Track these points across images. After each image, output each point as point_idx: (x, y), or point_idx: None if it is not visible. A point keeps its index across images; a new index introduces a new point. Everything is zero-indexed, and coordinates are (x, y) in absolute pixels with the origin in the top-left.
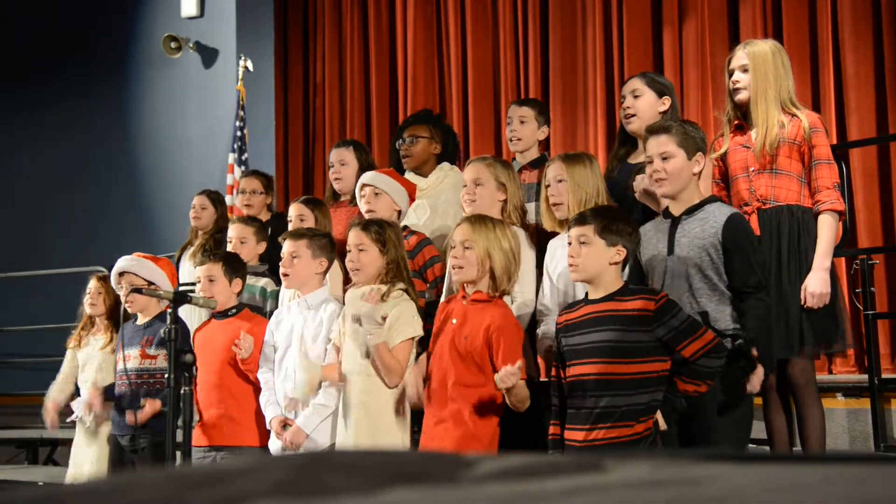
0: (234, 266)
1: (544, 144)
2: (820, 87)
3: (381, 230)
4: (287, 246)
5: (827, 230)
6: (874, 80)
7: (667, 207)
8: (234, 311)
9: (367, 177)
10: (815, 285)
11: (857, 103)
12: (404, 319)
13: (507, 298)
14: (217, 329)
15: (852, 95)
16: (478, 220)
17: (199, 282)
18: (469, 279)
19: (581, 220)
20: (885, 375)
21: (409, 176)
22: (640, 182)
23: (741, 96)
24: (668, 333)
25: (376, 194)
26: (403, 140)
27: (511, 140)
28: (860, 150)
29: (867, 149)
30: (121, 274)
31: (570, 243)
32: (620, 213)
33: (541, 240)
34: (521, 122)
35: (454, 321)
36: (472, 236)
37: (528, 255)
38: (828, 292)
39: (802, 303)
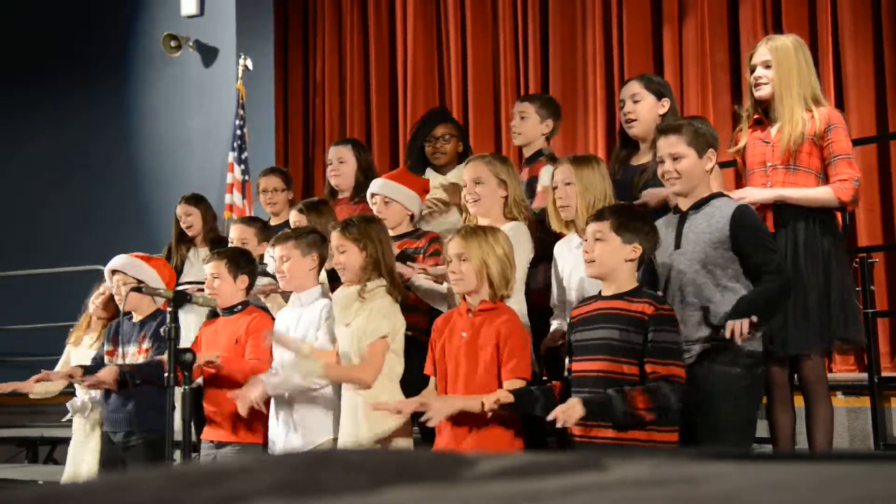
0: (240, 262)
1: (568, 139)
2: (820, 85)
3: (359, 228)
4: (276, 251)
5: (815, 192)
6: (874, 79)
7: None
8: (239, 307)
9: (376, 185)
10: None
11: (857, 102)
12: (378, 316)
13: None
14: (222, 326)
15: (852, 94)
16: (470, 231)
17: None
18: (468, 290)
19: (598, 216)
20: (884, 374)
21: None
22: (648, 195)
23: (763, 92)
24: (650, 342)
25: (386, 203)
26: (436, 138)
27: (513, 135)
28: (860, 148)
29: (867, 147)
30: (113, 272)
31: (586, 239)
32: (639, 212)
33: (549, 240)
34: (522, 118)
35: (464, 335)
36: (467, 248)
37: (525, 252)
38: (757, 199)
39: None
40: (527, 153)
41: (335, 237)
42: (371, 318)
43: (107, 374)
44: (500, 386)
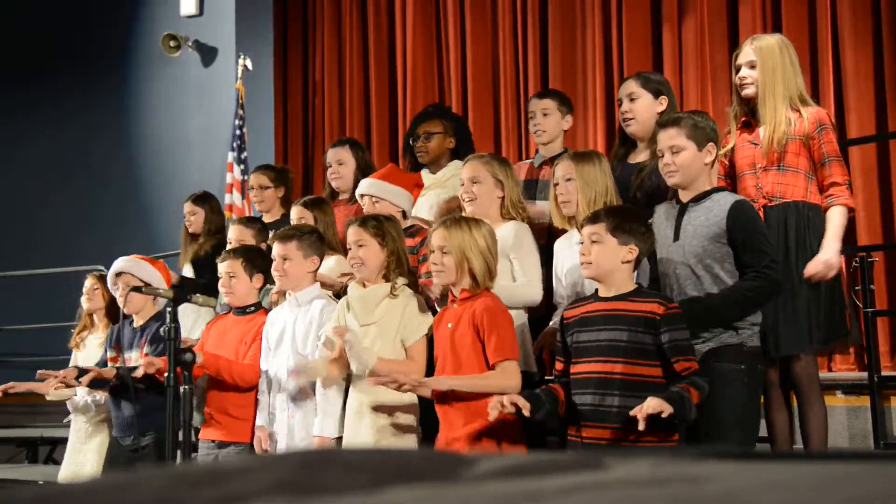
0: (255, 261)
1: (568, 138)
2: (819, 84)
3: (379, 224)
4: (277, 249)
5: (838, 217)
6: (873, 78)
7: (677, 193)
8: (252, 308)
9: (363, 186)
10: (824, 254)
11: (857, 101)
12: (418, 318)
13: (510, 283)
14: (233, 324)
15: (851, 93)
16: (453, 223)
17: (221, 278)
18: (449, 282)
19: (594, 218)
20: (884, 373)
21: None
22: None
23: (748, 91)
24: (669, 342)
25: (375, 203)
26: (417, 137)
27: (536, 133)
28: (859, 147)
29: (866, 146)
30: (118, 274)
31: (581, 242)
32: (634, 213)
33: (554, 238)
34: (545, 115)
35: (449, 325)
36: (448, 240)
37: (532, 248)
38: (836, 263)
39: (808, 276)
40: (548, 153)
41: (353, 231)
42: (411, 316)
43: (106, 371)
44: (489, 369)
